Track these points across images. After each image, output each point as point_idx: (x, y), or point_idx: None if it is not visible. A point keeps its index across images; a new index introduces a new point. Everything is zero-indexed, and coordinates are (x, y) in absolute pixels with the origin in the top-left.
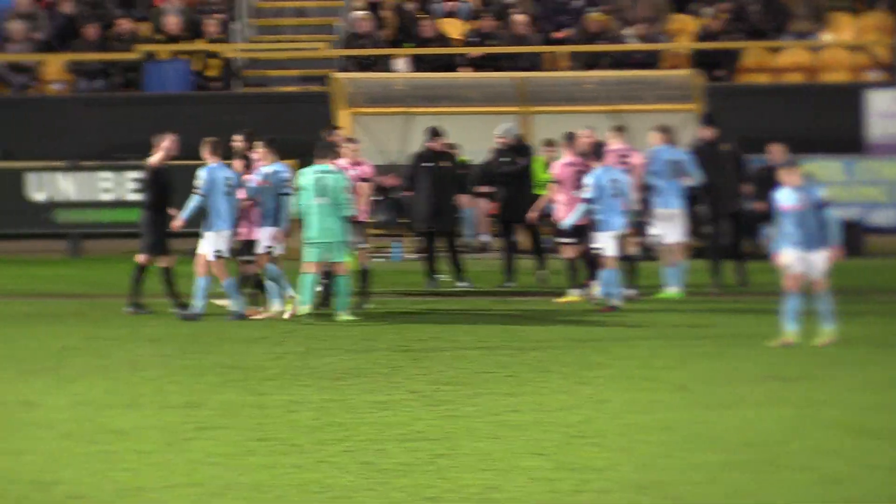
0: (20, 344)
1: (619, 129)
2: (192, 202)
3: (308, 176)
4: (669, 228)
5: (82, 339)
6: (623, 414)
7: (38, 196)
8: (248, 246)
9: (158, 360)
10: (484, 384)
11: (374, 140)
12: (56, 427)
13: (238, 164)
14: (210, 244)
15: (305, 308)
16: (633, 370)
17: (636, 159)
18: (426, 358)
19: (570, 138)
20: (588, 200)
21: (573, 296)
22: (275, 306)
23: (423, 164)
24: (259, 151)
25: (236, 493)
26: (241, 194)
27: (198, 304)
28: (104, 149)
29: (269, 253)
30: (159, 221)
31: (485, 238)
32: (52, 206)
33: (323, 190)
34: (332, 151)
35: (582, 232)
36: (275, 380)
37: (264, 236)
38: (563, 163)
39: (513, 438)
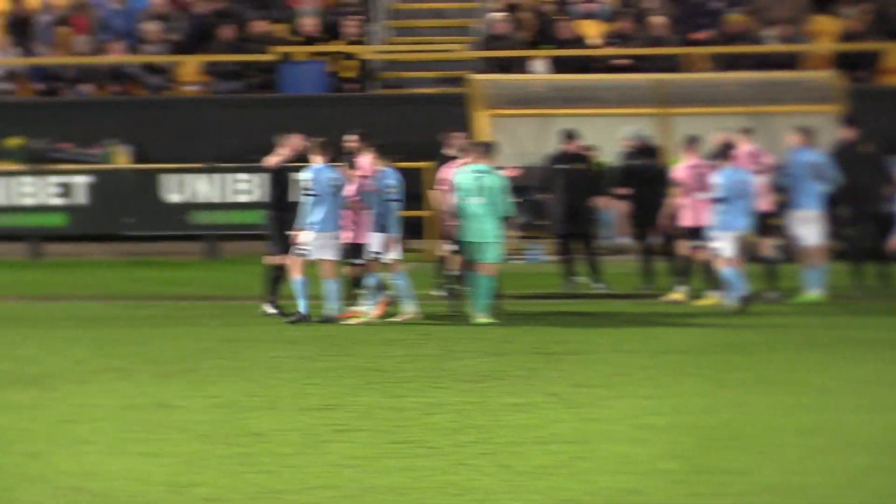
0: (156, 346)
1: (748, 131)
2: (306, 204)
3: (465, 175)
4: (809, 230)
5: (219, 341)
6: (763, 416)
7: (174, 198)
8: (356, 250)
9: (297, 362)
10: (622, 386)
11: (511, 142)
12: (192, 429)
13: (349, 165)
14: (304, 241)
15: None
16: (773, 373)
17: (768, 160)
18: (564, 360)
19: (693, 142)
20: (718, 200)
21: (712, 297)
22: (409, 308)
23: (558, 167)
24: (369, 155)
25: (374, 496)
26: (348, 195)
27: (332, 306)
28: (239, 150)
29: (376, 260)
30: (281, 220)
31: (622, 240)
32: (187, 207)
33: (480, 190)
34: (490, 151)
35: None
36: (412, 382)
37: (373, 242)
38: (685, 166)
39: (651, 441)
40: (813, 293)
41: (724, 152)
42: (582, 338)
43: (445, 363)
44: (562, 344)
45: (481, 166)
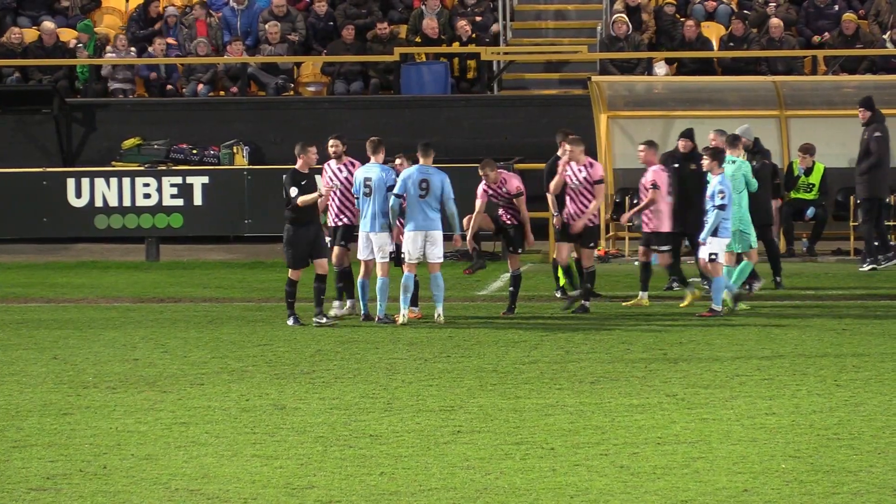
0: (273, 348)
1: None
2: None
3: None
4: None
5: (337, 342)
6: (878, 416)
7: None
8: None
9: (415, 363)
10: (740, 387)
11: (632, 143)
12: (309, 431)
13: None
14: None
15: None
16: (890, 373)
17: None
18: (682, 361)
19: (652, 145)
20: (722, 207)
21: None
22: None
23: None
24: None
25: (491, 497)
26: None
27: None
28: (361, 151)
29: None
30: None
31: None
32: None
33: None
34: (737, 142)
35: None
36: (531, 383)
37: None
38: (656, 169)
39: (768, 441)
40: None
41: (720, 157)
42: (700, 339)
43: (564, 364)
44: (680, 345)
45: (733, 158)
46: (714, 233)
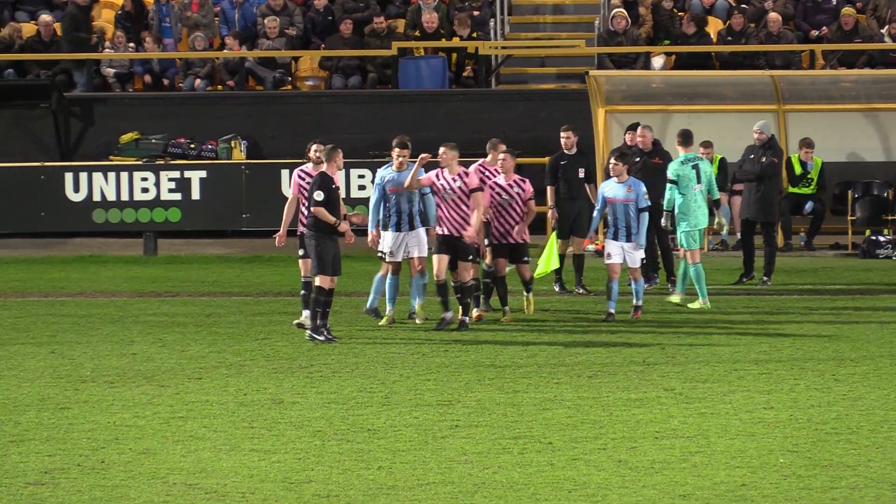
0: (271, 342)
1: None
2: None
3: (681, 166)
4: None
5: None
6: (877, 411)
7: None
8: None
9: (413, 358)
10: (738, 381)
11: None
12: (307, 426)
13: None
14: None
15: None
16: (888, 368)
17: None
18: (680, 355)
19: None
20: (644, 210)
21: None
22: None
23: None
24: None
25: (489, 491)
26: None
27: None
28: (358, 146)
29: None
30: None
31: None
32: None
33: (699, 177)
34: (691, 138)
35: None
36: (529, 377)
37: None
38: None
39: (766, 435)
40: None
41: (628, 160)
42: (698, 333)
43: (562, 359)
44: (678, 340)
45: (691, 154)
46: (628, 237)
